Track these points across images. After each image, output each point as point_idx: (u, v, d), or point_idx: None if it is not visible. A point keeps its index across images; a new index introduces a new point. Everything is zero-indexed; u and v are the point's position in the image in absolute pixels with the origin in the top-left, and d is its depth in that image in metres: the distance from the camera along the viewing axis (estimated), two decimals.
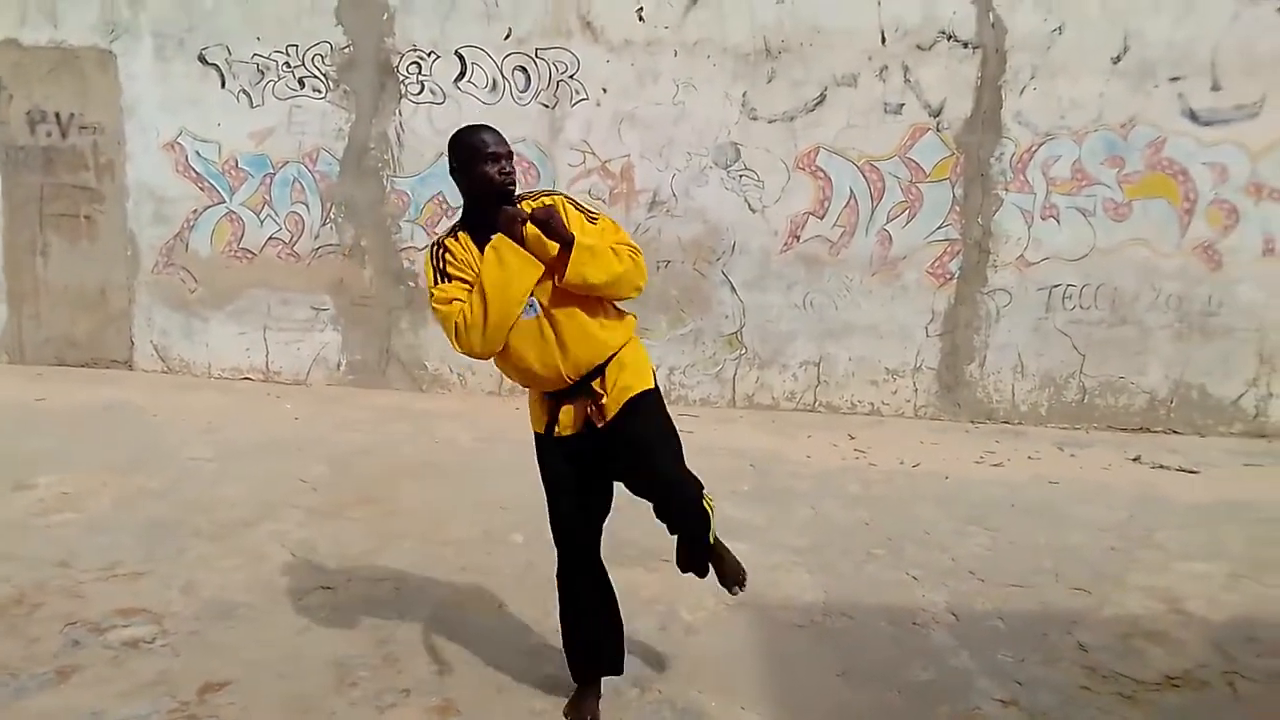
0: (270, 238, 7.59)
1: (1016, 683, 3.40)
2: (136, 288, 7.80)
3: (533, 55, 7.17)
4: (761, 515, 4.99)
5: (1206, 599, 4.15)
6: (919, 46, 6.93)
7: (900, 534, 4.82)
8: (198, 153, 7.55)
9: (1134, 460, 6.34)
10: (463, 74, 7.24)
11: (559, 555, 3.17)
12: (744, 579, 3.12)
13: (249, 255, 7.63)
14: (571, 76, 7.17)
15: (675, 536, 3.13)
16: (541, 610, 3.84)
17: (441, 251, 2.91)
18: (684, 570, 3.16)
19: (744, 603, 3.93)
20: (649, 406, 2.98)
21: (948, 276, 7.18)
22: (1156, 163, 6.91)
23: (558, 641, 3.56)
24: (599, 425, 2.93)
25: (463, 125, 3.02)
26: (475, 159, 2.87)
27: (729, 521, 4.89)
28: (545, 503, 3.14)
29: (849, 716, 3.16)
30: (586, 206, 3.00)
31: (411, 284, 7.51)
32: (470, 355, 2.89)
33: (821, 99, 7.04)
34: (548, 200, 2.91)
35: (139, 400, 6.97)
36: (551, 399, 2.99)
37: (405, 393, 7.55)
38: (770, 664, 3.47)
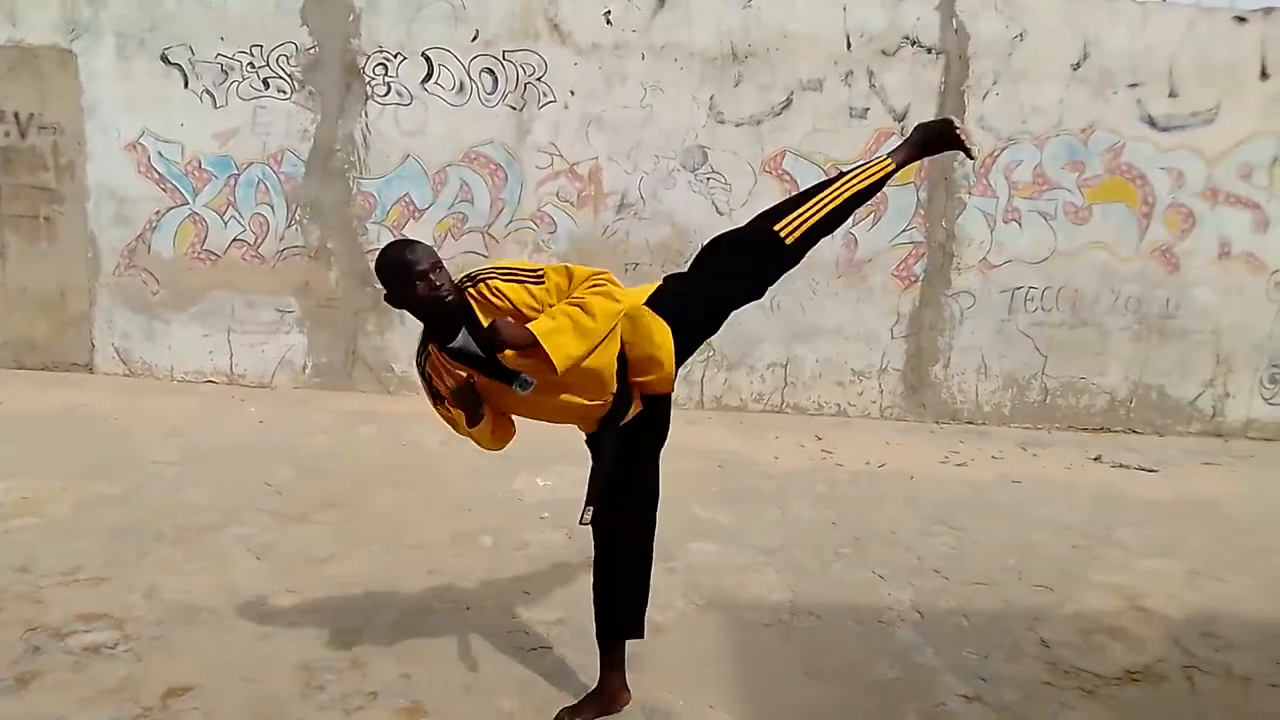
0: (234, 239, 7.51)
1: (980, 679, 3.45)
2: (97, 290, 7.68)
3: (500, 57, 7.16)
4: (730, 516, 5.01)
5: (1166, 595, 4.23)
6: (884, 52, 7.01)
7: (866, 533, 4.86)
8: (160, 153, 7.45)
9: (1095, 459, 6.45)
10: (429, 75, 7.21)
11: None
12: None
13: (212, 257, 7.54)
14: (539, 79, 7.17)
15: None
16: (510, 612, 3.84)
17: (425, 375, 2.95)
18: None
19: (713, 603, 3.96)
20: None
21: (912, 279, 7.26)
22: (1116, 167, 7.04)
23: (527, 644, 3.57)
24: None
25: (384, 245, 2.94)
26: (403, 283, 2.77)
27: (697, 522, 4.92)
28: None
29: (817, 715, 3.18)
30: (523, 269, 2.81)
31: (378, 286, 7.44)
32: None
33: (788, 103, 7.09)
34: (476, 293, 2.77)
35: (100, 404, 6.86)
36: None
37: (372, 395, 7.50)
38: (738, 663, 3.48)
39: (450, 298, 2.76)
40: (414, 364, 3.00)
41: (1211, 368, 7.19)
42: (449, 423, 3.00)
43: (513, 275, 2.78)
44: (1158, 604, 4.14)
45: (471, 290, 2.78)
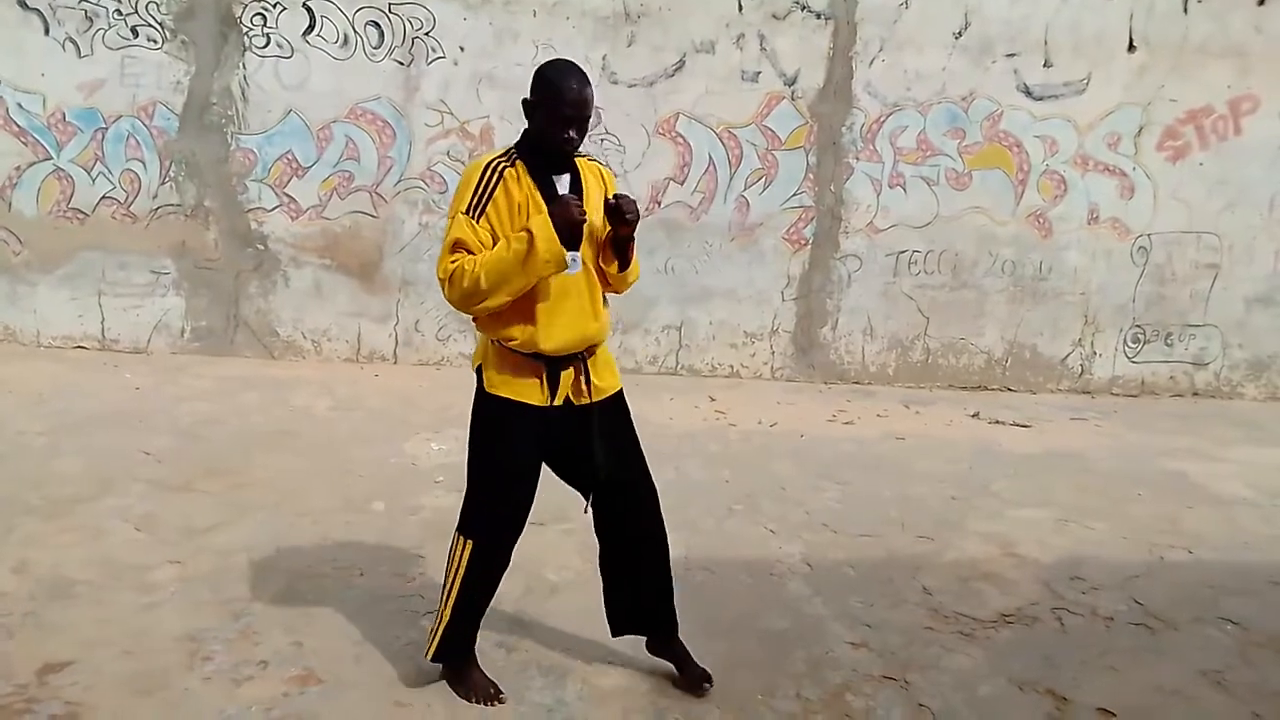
0: (104, 197, 7.11)
1: (866, 626, 3.58)
2: None
3: (386, 10, 6.93)
4: None
5: (1037, 542, 4.47)
6: (774, 16, 7.06)
7: (758, 490, 4.98)
8: (20, 105, 6.98)
9: (973, 416, 6.72)
10: (311, 27, 6.93)
11: (483, 540, 2.94)
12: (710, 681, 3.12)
13: (80, 216, 7.13)
14: (427, 33, 6.98)
15: (624, 576, 3.16)
16: (403, 578, 3.80)
17: (494, 181, 2.74)
18: (651, 626, 3.20)
19: None
20: (625, 406, 3.10)
21: (803, 242, 7.39)
22: (994, 135, 7.28)
23: (422, 608, 3.54)
24: (582, 401, 2.93)
25: (557, 59, 2.84)
26: (553, 108, 2.70)
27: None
28: (478, 481, 2.97)
29: (710, 666, 3.24)
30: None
31: (260, 246, 7.20)
32: (454, 308, 2.82)
33: (681, 65, 7.09)
34: (606, 172, 2.99)
35: None
36: (549, 364, 2.87)
37: (255, 360, 7.26)
38: None
39: (571, 153, 2.82)
40: (483, 167, 2.77)
41: (1080, 328, 7.55)
42: (446, 253, 2.74)
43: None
44: (1030, 550, 4.37)
45: (586, 160, 2.95)
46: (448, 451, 5.35)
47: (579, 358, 2.92)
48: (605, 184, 2.96)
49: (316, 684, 3.02)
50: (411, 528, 4.30)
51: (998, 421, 6.61)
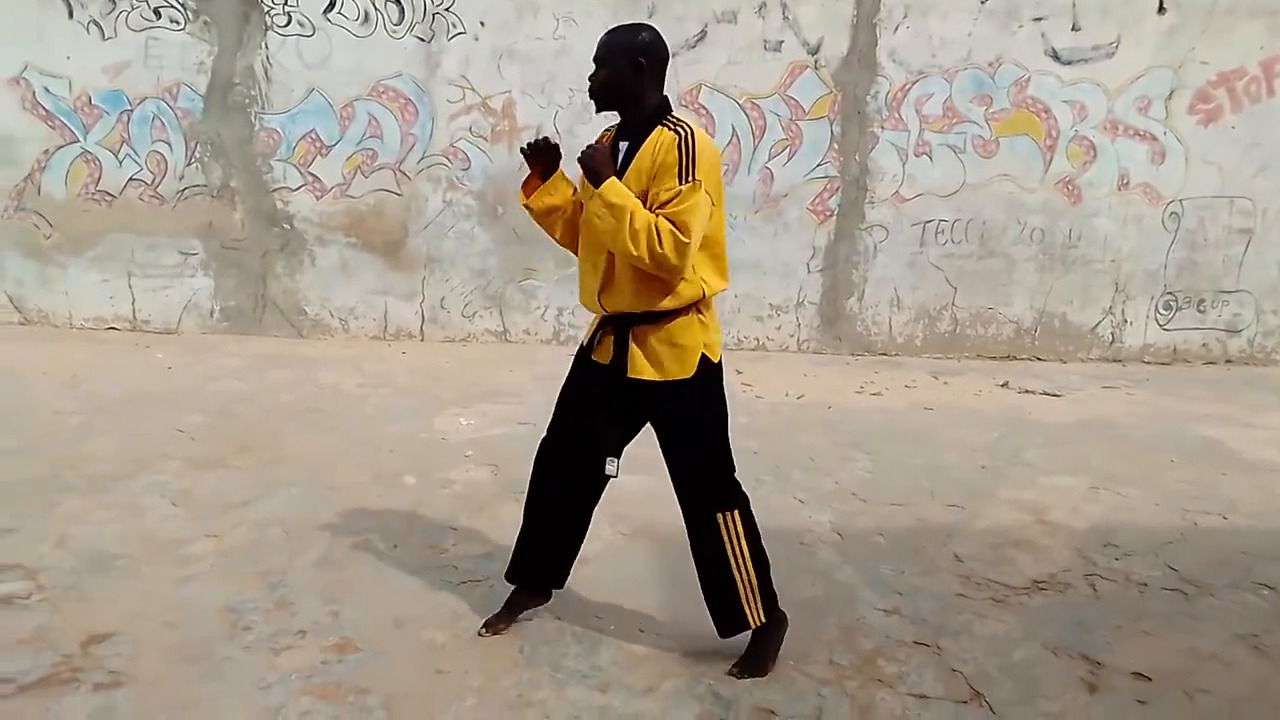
0: (131, 179, 7.18)
1: (898, 593, 3.58)
2: None
3: None
4: (655, 449, 5.03)
5: (1069, 509, 4.44)
6: None
7: (787, 461, 4.97)
8: (46, 89, 7.05)
9: (1002, 386, 6.68)
10: (332, 5, 6.94)
11: (535, 458, 3.18)
12: (747, 673, 3.00)
13: (108, 198, 7.20)
14: (447, 9, 6.96)
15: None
16: (436, 549, 3.83)
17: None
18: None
19: (640, 532, 4.01)
20: (675, 395, 2.92)
21: (828, 213, 7.34)
22: (1021, 101, 7.18)
23: (456, 578, 3.57)
24: (620, 375, 2.89)
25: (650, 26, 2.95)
26: (662, 62, 2.93)
27: (625, 456, 4.93)
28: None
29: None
30: (696, 160, 2.71)
31: (287, 226, 7.24)
32: None
33: (703, 35, 7.04)
34: (668, 142, 2.75)
35: None
36: (601, 320, 2.98)
37: (284, 339, 7.32)
38: (665, 588, 3.55)
39: (595, 101, 2.92)
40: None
41: (1110, 296, 7.47)
42: None
43: (688, 152, 2.73)
44: (1061, 517, 4.34)
45: (671, 122, 2.83)
46: (477, 426, 5.38)
47: (619, 324, 2.90)
48: (656, 156, 2.75)
49: (354, 652, 3.06)
50: (443, 501, 4.34)
51: (1027, 391, 6.56)
